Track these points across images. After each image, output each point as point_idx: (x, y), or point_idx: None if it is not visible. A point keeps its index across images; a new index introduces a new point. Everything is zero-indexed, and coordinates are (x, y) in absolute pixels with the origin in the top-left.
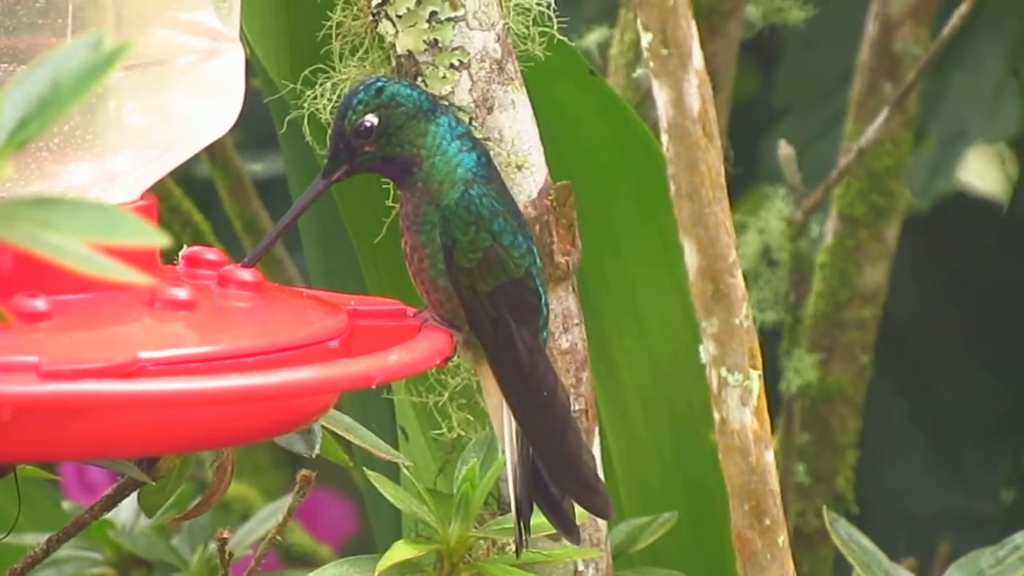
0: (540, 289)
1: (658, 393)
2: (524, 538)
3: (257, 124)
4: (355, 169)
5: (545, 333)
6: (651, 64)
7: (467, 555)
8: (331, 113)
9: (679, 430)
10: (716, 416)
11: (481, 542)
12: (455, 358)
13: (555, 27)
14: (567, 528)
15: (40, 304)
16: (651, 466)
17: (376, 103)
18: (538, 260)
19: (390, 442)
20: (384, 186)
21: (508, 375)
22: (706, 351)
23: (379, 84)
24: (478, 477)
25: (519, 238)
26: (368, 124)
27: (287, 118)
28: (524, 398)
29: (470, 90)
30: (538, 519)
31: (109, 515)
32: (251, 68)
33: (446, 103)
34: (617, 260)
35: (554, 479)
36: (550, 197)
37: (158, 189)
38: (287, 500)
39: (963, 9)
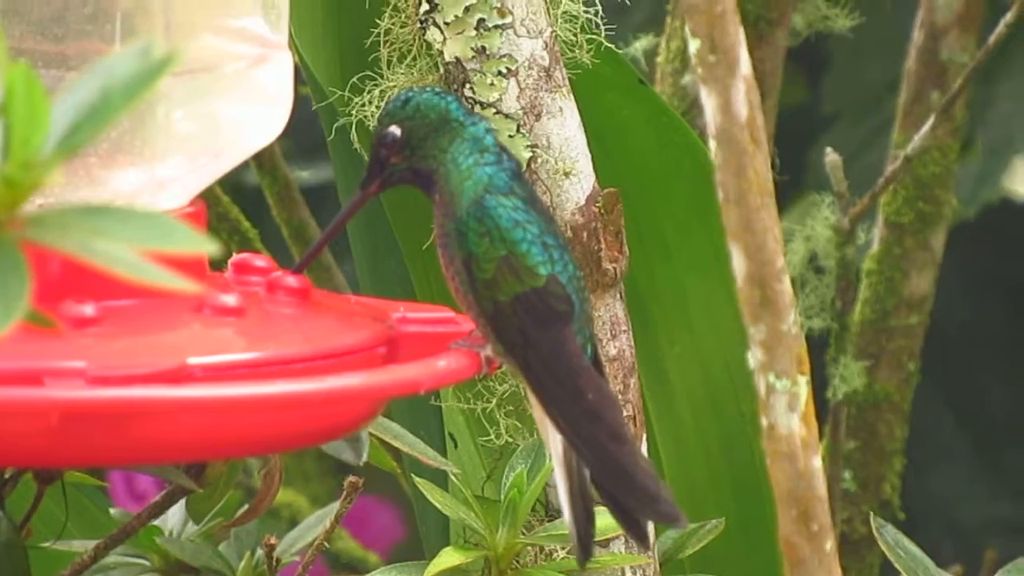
0: (572, 296)
1: (708, 399)
2: (583, 554)
3: (305, 131)
4: (386, 181)
5: (582, 339)
6: (699, 70)
7: (515, 561)
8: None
9: (729, 436)
10: (764, 422)
11: (529, 548)
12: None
13: (603, 35)
14: (637, 534)
15: (88, 310)
16: (700, 472)
17: (401, 114)
18: (569, 266)
19: (439, 449)
20: None
21: (542, 385)
22: (754, 357)
23: (407, 95)
24: (525, 483)
25: (538, 246)
26: (391, 135)
27: (335, 125)
28: (565, 406)
29: (518, 97)
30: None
31: (157, 522)
32: (299, 75)
33: (493, 111)
34: (667, 267)
35: (607, 490)
36: (597, 204)
37: (206, 196)
38: (335, 507)
39: (1009, 17)
